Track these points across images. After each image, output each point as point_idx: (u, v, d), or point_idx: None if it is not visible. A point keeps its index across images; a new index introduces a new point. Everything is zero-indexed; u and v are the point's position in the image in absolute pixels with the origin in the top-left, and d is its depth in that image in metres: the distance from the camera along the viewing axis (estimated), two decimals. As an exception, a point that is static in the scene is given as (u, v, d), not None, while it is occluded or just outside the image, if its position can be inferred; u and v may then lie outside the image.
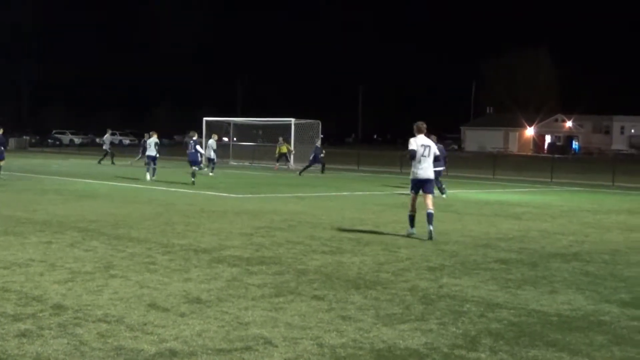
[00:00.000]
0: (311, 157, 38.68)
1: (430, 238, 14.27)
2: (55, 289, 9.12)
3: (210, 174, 35.79)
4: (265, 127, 53.50)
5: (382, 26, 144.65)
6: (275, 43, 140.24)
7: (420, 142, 14.80)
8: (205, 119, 52.68)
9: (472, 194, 27.42)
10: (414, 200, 14.89)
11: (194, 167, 29.24)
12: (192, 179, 28.34)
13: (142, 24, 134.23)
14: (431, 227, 14.50)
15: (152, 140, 32.40)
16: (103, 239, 13.27)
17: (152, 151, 31.66)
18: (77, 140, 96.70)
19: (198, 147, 30.74)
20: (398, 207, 20.96)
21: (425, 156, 14.76)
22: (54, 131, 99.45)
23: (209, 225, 15.63)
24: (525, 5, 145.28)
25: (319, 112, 64.81)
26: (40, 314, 7.92)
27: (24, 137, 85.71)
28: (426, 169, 14.82)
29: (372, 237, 14.56)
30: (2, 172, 29.03)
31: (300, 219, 17.34)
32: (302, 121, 48.27)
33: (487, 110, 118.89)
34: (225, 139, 53.34)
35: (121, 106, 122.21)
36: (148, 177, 30.48)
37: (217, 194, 24.25)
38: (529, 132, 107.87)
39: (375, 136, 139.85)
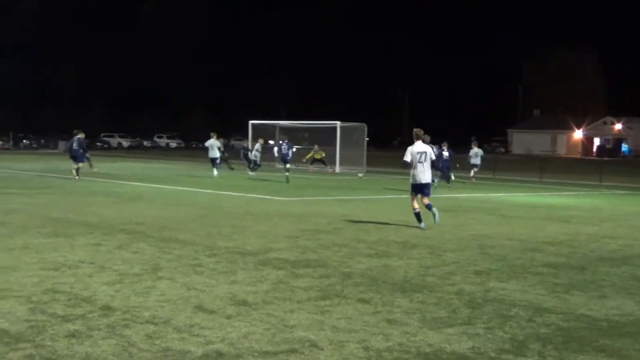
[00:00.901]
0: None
1: (434, 216, 16.28)
2: (104, 291, 9.23)
3: (251, 173, 38.20)
4: (310, 130, 53.58)
5: (428, 29, 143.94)
6: (319, 45, 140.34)
7: (416, 150, 16.31)
8: (251, 122, 52.95)
9: (519, 197, 27.16)
10: (414, 201, 16.49)
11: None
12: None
13: (179, 27, 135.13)
14: (434, 210, 16.31)
15: (211, 142, 35.69)
16: (150, 241, 13.40)
17: (213, 153, 35.47)
18: (125, 143, 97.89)
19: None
20: (444, 210, 20.83)
21: (421, 162, 16.29)
22: (102, 134, 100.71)
23: (255, 228, 15.70)
24: (572, 6, 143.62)
25: (365, 114, 64.70)
26: (90, 315, 8.02)
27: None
28: (424, 173, 16.35)
29: (418, 240, 14.49)
30: (79, 175, 30.76)
31: (346, 221, 17.33)
32: (348, 124, 48.21)
33: (534, 113, 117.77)
34: (271, 142, 53.55)
35: (161, 109, 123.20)
36: (215, 172, 34.58)
37: (262, 196, 24.34)
38: (577, 134, 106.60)
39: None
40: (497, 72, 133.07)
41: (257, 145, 39.88)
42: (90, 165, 32.47)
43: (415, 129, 16.72)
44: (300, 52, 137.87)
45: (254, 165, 39.09)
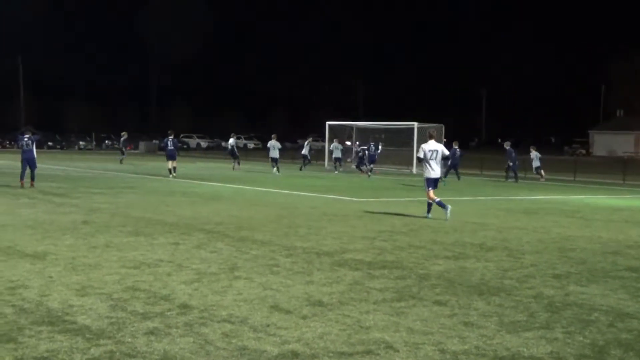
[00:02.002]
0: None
1: (445, 209, 17.80)
2: (182, 289, 9.37)
3: (336, 172, 41.35)
4: (387, 131, 53.38)
5: (506, 27, 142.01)
6: (397, 45, 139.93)
7: (429, 148, 18.19)
8: (328, 122, 53.06)
9: (600, 200, 26.59)
10: (431, 194, 18.16)
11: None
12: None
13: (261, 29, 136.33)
14: (445, 206, 17.85)
15: (272, 142, 39.91)
16: (228, 241, 13.55)
17: (274, 153, 39.65)
18: (203, 144, 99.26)
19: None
20: (521, 212, 20.55)
21: (433, 159, 18.11)
22: (181, 135, 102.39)
23: (331, 229, 15.73)
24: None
25: (443, 115, 64.31)
26: (168, 313, 8.15)
27: (153, 141, 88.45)
28: (436, 170, 18.28)
29: (496, 242, 14.31)
30: (175, 172, 34.00)
31: (422, 223, 17.23)
32: (425, 125, 47.86)
33: (617, 114, 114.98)
34: (348, 142, 53.61)
35: (241, 110, 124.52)
36: (275, 170, 38.69)
37: (338, 197, 24.37)
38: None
39: (499, 140, 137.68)
40: (579, 71, 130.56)
41: (335, 144, 42.71)
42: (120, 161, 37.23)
43: (429, 130, 18.78)
44: (378, 51, 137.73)
45: (307, 162, 44.75)
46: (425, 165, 18.23)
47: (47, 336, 7.18)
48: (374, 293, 9.41)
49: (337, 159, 43.12)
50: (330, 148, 43.16)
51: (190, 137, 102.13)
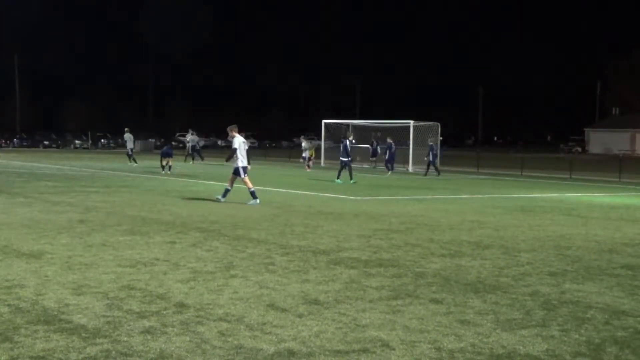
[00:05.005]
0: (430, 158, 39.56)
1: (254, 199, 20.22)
2: (178, 288, 9.37)
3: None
4: (383, 129, 53.42)
5: (502, 26, 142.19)
6: (390, 43, 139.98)
7: (240, 141, 20.93)
8: (324, 121, 53.07)
9: (596, 198, 26.62)
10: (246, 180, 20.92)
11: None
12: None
13: (263, 28, 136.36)
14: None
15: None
16: (223, 240, 13.55)
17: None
18: (200, 142, 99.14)
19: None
20: (518, 210, 20.56)
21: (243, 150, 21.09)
22: (177, 134, 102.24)
23: (327, 227, 15.73)
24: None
25: (438, 113, 64.34)
26: (164, 312, 8.15)
27: (150, 139, 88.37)
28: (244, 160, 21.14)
29: (492, 240, 14.32)
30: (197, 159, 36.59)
31: (419, 221, 17.24)
32: (421, 123, 47.94)
33: (613, 112, 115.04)
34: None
35: (239, 108, 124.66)
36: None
37: (335, 195, 24.37)
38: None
39: (495, 138, 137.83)
40: (575, 69, 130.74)
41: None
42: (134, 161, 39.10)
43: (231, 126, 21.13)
44: (374, 49, 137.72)
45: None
46: (238, 156, 20.82)
47: (43, 335, 7.17)
48: (370, 291, 9.42)
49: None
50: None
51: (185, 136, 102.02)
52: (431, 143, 40.31)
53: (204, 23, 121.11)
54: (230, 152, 21.22)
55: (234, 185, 21.26)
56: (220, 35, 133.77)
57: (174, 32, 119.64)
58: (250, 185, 20.93)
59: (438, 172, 39.64)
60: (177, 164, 41.15)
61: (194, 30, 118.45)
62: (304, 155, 46.43)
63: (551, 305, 8.90)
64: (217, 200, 20.68)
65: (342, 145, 32.49)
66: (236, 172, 20.97)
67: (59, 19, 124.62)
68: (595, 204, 23.64)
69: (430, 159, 39.83)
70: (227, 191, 20.92)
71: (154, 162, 46.43)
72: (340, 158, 32.08)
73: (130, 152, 45.44)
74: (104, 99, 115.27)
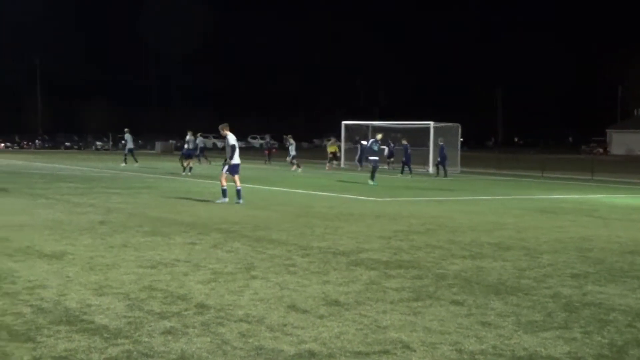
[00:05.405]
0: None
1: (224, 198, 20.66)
2: (199, 289, 9.39)
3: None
4: (404, 130, 53.31)
5: (524, 26, 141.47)
6: (409, 44, 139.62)
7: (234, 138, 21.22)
8: (344, 122, 53.03)
9: (619, 199, 26.44)
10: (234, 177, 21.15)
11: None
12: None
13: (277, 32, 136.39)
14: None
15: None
16: (244, 241, 13.57)
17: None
18: (220, 144, 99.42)
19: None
20: (539, 211, 20.46)
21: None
22: (199, 135, 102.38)
23: (348, 228, 15.72)
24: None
25: (458, 114, 64.10)
26: (185, 313, 8.17)
27: (170, 141, 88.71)
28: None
29: (513, 242, 14.26)
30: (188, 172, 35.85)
31: (440, 222, 17.19)
32: (442, 124, 47.79)
33: (635, 112, 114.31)
34: (364, 142, 53.60)
35: (259, 110, 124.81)
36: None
37: (355, 197, 24.35)
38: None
39: (516, 139, 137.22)
40: (596, 70, 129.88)
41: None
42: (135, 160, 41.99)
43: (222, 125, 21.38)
44: (394, 52, 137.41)
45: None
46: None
47: (65, 336, 7.21)
48: (391, 293, 9.40)
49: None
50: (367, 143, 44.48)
51: (207, 137, 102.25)
52: (441, 144, 40.45)
53: (220, 24, 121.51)
54: (230, 150, 21.08)
55: (234, 184, 21.12)
56: (242, 37, 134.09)
57: (187, 35, 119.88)
58: (224, 183, 21.07)
59: (445, 173, 39.68)
60: (196, 166, 41.29)
61: (206, 31, 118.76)
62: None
63: (573, 307, 8.85)
64: (237, 203, 20.65)
65: (370, 144, 32.85)
66: (233, 169, 21.09)
67: (81, 22, 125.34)
68: (617, 206, 23.48)
69: (439, 159, 40.10)
70: (238, 192, 20.88)
71: (173, 163, 46.63)
72: (369, 158, 32.30)
73: (128, 152, 45.92)
74: (124, 101, 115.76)
